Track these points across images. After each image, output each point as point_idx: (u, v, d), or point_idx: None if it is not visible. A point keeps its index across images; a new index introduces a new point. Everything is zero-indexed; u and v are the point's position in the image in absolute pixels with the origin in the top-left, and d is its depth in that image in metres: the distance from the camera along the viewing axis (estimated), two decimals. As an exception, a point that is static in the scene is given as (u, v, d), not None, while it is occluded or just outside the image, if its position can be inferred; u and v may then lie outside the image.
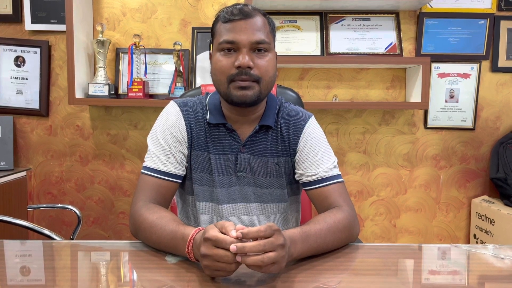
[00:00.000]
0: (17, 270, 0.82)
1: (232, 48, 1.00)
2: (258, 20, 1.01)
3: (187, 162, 1.08)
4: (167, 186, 1.03)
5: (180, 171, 1.06)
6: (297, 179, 1.11)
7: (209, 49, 2.13)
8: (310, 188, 1.07)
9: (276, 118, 1.11)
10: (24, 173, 2.13)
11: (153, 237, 0.89)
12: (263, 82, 1.01)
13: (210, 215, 1.10)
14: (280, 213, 1.14)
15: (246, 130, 1.09)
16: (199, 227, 0.82)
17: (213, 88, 1.14)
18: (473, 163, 2.24)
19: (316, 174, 1.06)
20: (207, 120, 1.08)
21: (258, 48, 1.00)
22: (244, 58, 0.98)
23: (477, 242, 2.15)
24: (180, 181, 1.06)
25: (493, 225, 2.02)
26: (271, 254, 0.71)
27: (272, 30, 1.06)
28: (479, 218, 2.14)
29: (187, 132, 1.07)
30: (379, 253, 0.98)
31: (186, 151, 1.07)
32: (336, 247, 0.94)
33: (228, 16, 1.00)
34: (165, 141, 1.05)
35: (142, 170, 1.04)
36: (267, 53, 1.02)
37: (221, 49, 1.01)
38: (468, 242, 2.25)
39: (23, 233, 1.89)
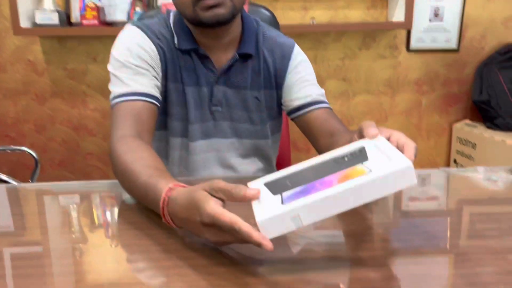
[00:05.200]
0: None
1: None
2: None
3: (160, 94, 0.92)
4: (147, 110, 0.84)
5: (158, 94, 0.89)
6: (285, 108, 1.00)
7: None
8: (304, 112, 0.96)
9: (256, 45, 0.96)
10: (-26, 115, 1.94)
11: (126, 185, 0.73)
12: None
13: (183, 152, 0.99)
14: (260, 151, 1.03)
15: (221, 57, 0.94)
16: (171, 185, 0.61)
17: (176, 5, 0.96)
18: (456, 87, 2.15)
19: (310, 96, 0.95)
20: (176, 45, 0.92)
21: None
22: None
23: (457, 167, 2.12)
24: (159, 104, 0.89)
25: (474, 149, 1.98)
26: None
27: None
28: (460, 143, 2.09)
29: (160, 60, 0.90)
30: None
31: (159, 80, 0.91)
32: None
33: None
34: (134, 62, 0.87)
35: (112, 101, 0.86)
36: None
37: None
38: (448, 167, 2.22)
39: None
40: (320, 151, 0.94)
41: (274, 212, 0.50)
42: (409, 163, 0.50)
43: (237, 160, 1.01)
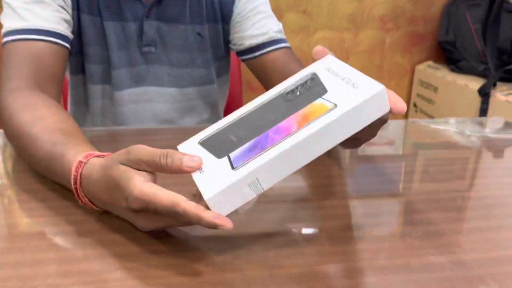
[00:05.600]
0: None
1: None
2: None
3: (72, 31, 0.71)
4: (51, 53, 0.65)
5: (67, 30, 0.68)
6: (235, 48, 0.82)
7: None
8: (259, 55, 0.79)
9: None
10: None
11: (25, 156, 0.54)
12: None
13: (106, 100, 0.81)
14: (205, 99, 0.86)
15: None
16: (81, 157, 0.45)
17: None
18: (422, 25, 2.01)
19: (266, 33, 0.79)
20: None
21: None
22: None
23: (416, 111, 2.06)
24: (68, 45, 0.68)
25: (435, 93, 1.90)
26: None
27: None
28: (422, 86, 2.00)
29: None
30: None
31: (69, 11, 0.70)
32: None
33: None
34: None
35: (3, 39, 0.64)
36: None
37: None
38: (407, 111, 2.15)
39: None
40: None
41: (225, 183, 0.37)
42: (381, 86, 0.38)
43: (176, 112, 0.85)
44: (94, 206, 0.45)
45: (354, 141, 0.47)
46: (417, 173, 0.60)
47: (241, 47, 0.81)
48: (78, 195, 0.45)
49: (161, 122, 0.84)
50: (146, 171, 0.40)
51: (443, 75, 1.84)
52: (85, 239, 0.42)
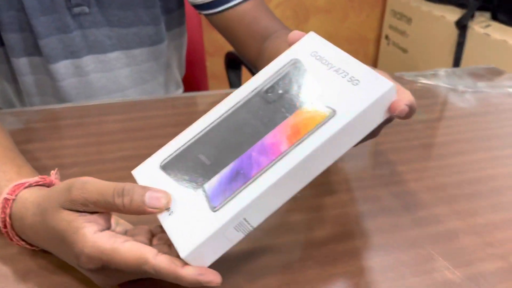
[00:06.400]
0: None
1: None
2: None
3: None
4: None
5: None
6: (191, 1, 0.67)
7: None
8: (221, 10, 0.65)
9: None
10: None
11: None
12: None
13: (40, 75, 0.68)
14: (155, 60, 0.73)
15: None
16: (8, 191, 0.34)
17: None
18: (395, -52, 1.85)
19: None
20: None
21: None
22: None
23: (388, 44, 1.96)
24: None
25: (409, 24, 1.79)
26: None
27: None
28: (394, 17, 1.88)
29: None
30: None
31: None
32: None
33: None
34: None
35: None
36: None
37: None
38: (378, 44, 2.06)
39: None
40: (250, 61, 0.67)
41: (205, 232, 0.28)
42: (390, 83, 0.30)
43: (125, 80, 0.72)
44: (34, 248, 0.35)
45: None
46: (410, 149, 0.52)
47: (200, 1, 0.67)
48: (10, 238, 0.34)
49: (110, 93, 0.71)
50: (96, 212, 0.30)
51: (417, 5, 1.73)
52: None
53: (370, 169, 0.49)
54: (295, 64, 0.33)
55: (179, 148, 0.33)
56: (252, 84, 0.34)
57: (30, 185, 0.35)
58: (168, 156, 0.33)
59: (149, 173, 0.32)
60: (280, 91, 0.32)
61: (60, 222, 0.30)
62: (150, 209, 0.29)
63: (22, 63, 0.66)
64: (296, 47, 0.34)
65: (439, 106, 0.64)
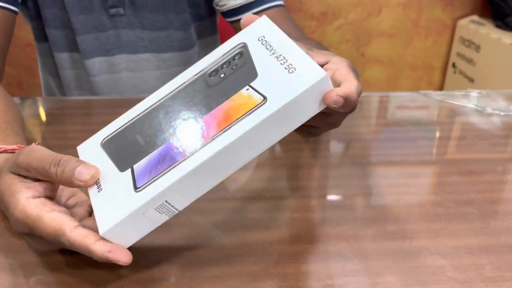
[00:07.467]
0: None
1: None
2: None
3: None
4: None
5: None
6: (217, 7, 0.72)
7: None
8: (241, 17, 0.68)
9: None
10: None
11: None
12: None
13: (79, 70, 0.74)
14: (185, 65, 0.77)
15: None
16: None
17: None
18: (468, -26, 1.77)
19: None
20: None
21: None
22: None
23: (455, 73, 1.85)
24: (16, 9, 0.60)
25: (477, 52, 1.68)
26: None
27: None
28: (463, 44, 1.78)
29: None
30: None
31: None
32: None
33: None
34: None
35: None
36: None
37: None
38: (445, 72, 1.95)
39: None
40: None
41: (124, 211, 0.29)
42: (322, 73, 0.29)
43: (156, 83, 0.76)
44: None
45: (312, 129, 0.37)
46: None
47: (225, 7, 0.70)
48: None
49: (141, 93, 0.75)
50: (39, 180, 0.32)
51: (487, 32, 1.62)
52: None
53: (352, 178, 0.46)
54: (241, 49, 0.33)
55: (121, 127, 0.34)
56: (198, 67, 0.34)
57: (5, 151, 0.38)
58: (109, 135, 0.34)
59: (90, 150, 0.34)
60: (222, 75, 0.32)
61: (3, 184, 0.32)
62: (78, 182, 0.30)
63: (63, 58, 0.72)
64: (246, 30, 0.34)
65: (454, 126, 0.59)
